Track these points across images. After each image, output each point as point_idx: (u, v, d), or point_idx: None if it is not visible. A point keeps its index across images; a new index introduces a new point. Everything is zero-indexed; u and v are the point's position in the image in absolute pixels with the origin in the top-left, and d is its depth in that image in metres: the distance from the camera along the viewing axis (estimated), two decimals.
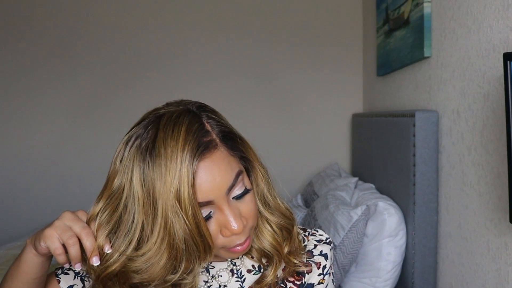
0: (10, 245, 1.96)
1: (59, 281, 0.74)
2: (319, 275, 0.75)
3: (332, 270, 0.77)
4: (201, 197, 0.61)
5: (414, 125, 1.36)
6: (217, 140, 0.63)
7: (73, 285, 0.73)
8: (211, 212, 0.63)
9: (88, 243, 0.63)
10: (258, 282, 0.72)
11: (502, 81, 0.83)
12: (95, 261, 0.62)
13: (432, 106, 1.42)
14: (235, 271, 0.75)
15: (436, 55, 1.39)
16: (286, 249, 0.71)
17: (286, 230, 0.72)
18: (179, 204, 0.59)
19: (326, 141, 2.47)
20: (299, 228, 0.80)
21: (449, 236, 1.29)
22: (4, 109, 2.45)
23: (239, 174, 0.64)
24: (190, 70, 2.43)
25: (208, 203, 0.62)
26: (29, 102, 2.45)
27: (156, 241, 0.60)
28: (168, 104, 0.68)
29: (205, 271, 0.74)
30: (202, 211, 0.62)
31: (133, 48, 2.44)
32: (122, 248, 0.62)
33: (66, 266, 0.67)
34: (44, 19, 2.43)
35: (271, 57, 2.44)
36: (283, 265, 0.73)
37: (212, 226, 0.63)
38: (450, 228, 1.29)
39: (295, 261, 0.72)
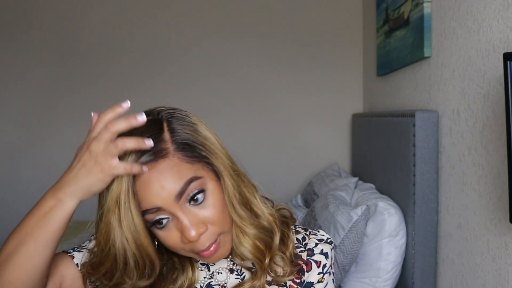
0: None
1: (72, 258, 0.74)
2: (319, 273, 0.75)
3: (333, 270, 0.77)
4: (147, 204, 0.62)
5: (414, 125, 1.36)
6: (171, 148, 0.64)
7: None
8: (168, 218, 0.64)
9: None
10: (238, 285, 0.72)
11: (502, 81, 0.83)
12: (141, 118, 0.61)
13: (432, 106, 1.42)
14: (234, 268, 0.75)
15: (436, 55, 1.39)
16: (267, 259, 0.70)
17: (265, 242, 0.71)
18: (118, 211, 0.62)
19: (326, 141, 2.47)
20: (300, 228, 0.80)
21: (449, 236, 1.29)
22: (4, 109, 2.45)
23: (191, 180, 0.63)
24: (186, 72, 2.43)
25: (158, 209, 0.63)
26: (30, 102, 2.45)
27: (100, 243, 0.65)
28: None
29: (206, 268, 0.75)
30: (157, 217, 0.63)
31: (127, 51, 2.44)
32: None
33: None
34: (41, 21, 2.43)
35: (270, 57, 2.44)
36: (280, 264, 0.73)
37: (173, 232, 0.64)
38: (450, 228, 1.29)
39: (279, 270, 0.72)
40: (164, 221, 0.64)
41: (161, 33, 2.44)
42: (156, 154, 0.63)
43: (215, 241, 0.66)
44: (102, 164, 0.60)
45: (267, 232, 0.72)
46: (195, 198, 0.64)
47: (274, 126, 2.46)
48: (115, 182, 0.62)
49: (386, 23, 1.89)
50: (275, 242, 0.72)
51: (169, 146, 0.64)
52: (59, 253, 0.74)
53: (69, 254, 0.75)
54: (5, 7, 2.42)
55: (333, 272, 0.77)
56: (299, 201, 2.18)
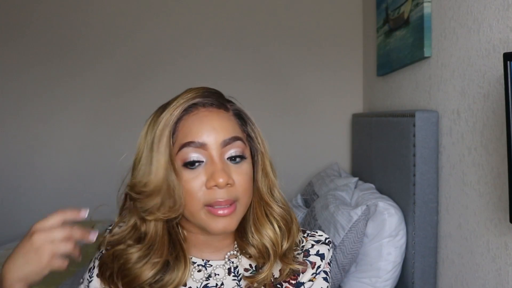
0: (10, 245, 1.96)
1: None
2: (312, 274, 0.75)
3: (328, 269, 0.76)
4: (194, 137, 0.66)
5: (414, 125, 1.36)
6: (230, 110, 0.72)
7: None
8: (202, 163, 0.66)
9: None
10: (251, 277, 0.72)
11: (502, 81, 0.83)
12: (93, 236, 0.67)
13: (432, 106, 1.42)
14: (232, 269, 0.75)
15: (436, 55, 1.39)
16: (284, 246, 0.71)
17: (287, 225, 0.73)
18: (160, 135, 0.66)
19: (326, 141, 2.47)
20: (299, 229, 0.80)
21: (449, 236, 1.29)
22: (4, 109, 2.45)
23: (238, 138, 0.69)
24: (192, 70, 2.43)
25: (202, 145, 0.66)
26: (30, 102, 2.45)
27: (145, 164, 0.68)
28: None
29: (203, 268, 0.74)
30: (194, 155, 0.66)
31: (136, 48, 2.44)
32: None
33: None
34: (47, 17, 2.43)
35: (270, 57, 2.44)
36: (279, 266, 0.73)
37: (200, 176, 0.66)
38: (450, 228, 1.29)
39: (290, 260, 0.73)
40: (196, 164, 0.67)
41: (162, 30, 2.44)
42: (220, 104, 0.70)
43: (233, 203, 0.67)
44: (41, 258, 0.64)
45: (289, 216, 0.75)
46: (234, 158, 0.68)
47: (273, 126, 2.45)
48: (172, 107, 0.68)
49: (386, 23, 1.89)
50: (294, 226, 0.74)
51: (230, 107, 0.72)
52: None
53: None
54: (3, 5, 2.42)
55: (326, 271, 0.76)
56: (299, 201, 2.18)
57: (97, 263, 0.75)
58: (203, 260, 0.74)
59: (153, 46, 2.44)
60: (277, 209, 0.73)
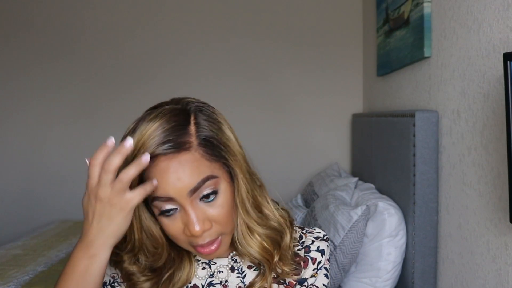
0: (10, 245, 1.96)
1: None
2: (314, 269, 0.76)
3: (327, 265, 0.78)
4: (160, 192, 0.63)
5: (414, 125, 1.36)
6: (194, 143, 0.64)
7: None
8: (176, 209, 0.65)
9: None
10: (248, 286, 0.73)
11: (502, 81, 0.83)
12: (128, 143, 0.61)
13: (432, 106, 1.42)
14: (236, 267, 0.75)
15: (436, 55, 1.39)
16: (276, 258, 0.72)
17: (275, 241, 0.73)
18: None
19: (326, 141, 2.47)
20: (297, 226, 0.81)
21: (449, 236, 1.29)
22: (4, 109, 2.45)
23: (207, 178, 0.64)
24: (189, 71, 2.43)
25: (169, 199, 0.64)
26: (29, 103, 2.45)
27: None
28: (172, 99, 0.70)
29: (207, 267, 0.75)
30: (166, 206, 0.64)
31: (130, 50, 2.44)
32: None
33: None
34: (43, 19, 2.43)
35: (270, 57, 2.44)
36: (271, 273, 0.74)
37: (177, 222, 0.65)
38: (450, 228, 1.29)
39: (286, 269, 0.73)
40: (172, 211, 0.65)
41: (163, 31, 2.44)
42: (179, 145, 0.63)
43: (216, 239, 0.67)
44: (119, 204, 0.61)
45: (277, 232, 0.73)
46: (207, 196, 0.65)
47: (274, 126, 2.46)
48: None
49: (386, 23, 1.89)
50: (285, 241, 0.73)
51: (193, 140, 0.64)
52: None
53: None
54: (3, 5, 2.42)
55: (326, 267, 0.78)
56: (299, 201, 2.18)
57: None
58: None
59: (154, 47, 2.44)
60: (261, 230, 0.72)
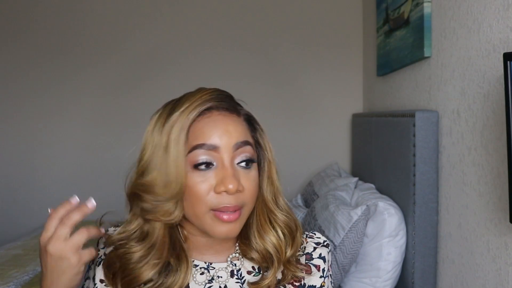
0: (10, 245, 1.96)
1: None
2: (320, 277, 0.75)
3: (330, 272, 0.78)
4: (207, 139, 0.65)
5: (414, 125, 1.36)
6: (242, 115, 0.71)
7: None
8: (213, 165, 0.66)
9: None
10: (255, 283, 0.72)
11: (502, 81, 0.83)
12: (90, 204, 0.66)
13: (432, 106, 1.42)
14: (235, 272, 0.75)
15: (436, 55, 1.39)
16: (288, 253, 0.71)
17: (291, 233, 0.73)
18: (177, 139, 0.64)
19: (326, 141, 2.47)
20: None
21: (449, 236, 1.29)
22: (4, 109, 2.45)
23: (249, 143, 0.69)
24: (194, 70, 2.43)
25: (214, 148, 0.65)
26: (30, 103, 2.45)
27: (156, 166, 0.66)
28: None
29: (206, 271, 0.74)
30: (205, 157, 0.65)
31: (138, 47, 2.44)
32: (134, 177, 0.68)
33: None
34: (43, 19, 2.43)
35: (270, 57, 2.44)
36: (281, 268, 0.73)
37: (209, 179, 0.65)
38: (450, 228, 1.29)
39: (294, 266, 0.73)
40: (208, 165, 0.66)
41: (165, 31, 2.44)
42: (233, 107, 0.70)
43: (239, 209, 0.67)
44: (70, 260, 0.64)
45: (293, 224, 0.75)
46: (245, 162, 0.68)
47: (273, 126, 2.45)
48: (187, 108, 0.66)
49: (386, 23, 1.89)
50: (298, 234, 0.74)
51: (241, 112, 0.71)
52: None
53: None
54: (3, 5, 2.42)
55: (330, 274, 0.78)
56: (299, 201, 2.18)
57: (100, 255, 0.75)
58: (205, 262, 0.74)
59: (156, 46, 2.44)
60: (281, 217, 0.73)
